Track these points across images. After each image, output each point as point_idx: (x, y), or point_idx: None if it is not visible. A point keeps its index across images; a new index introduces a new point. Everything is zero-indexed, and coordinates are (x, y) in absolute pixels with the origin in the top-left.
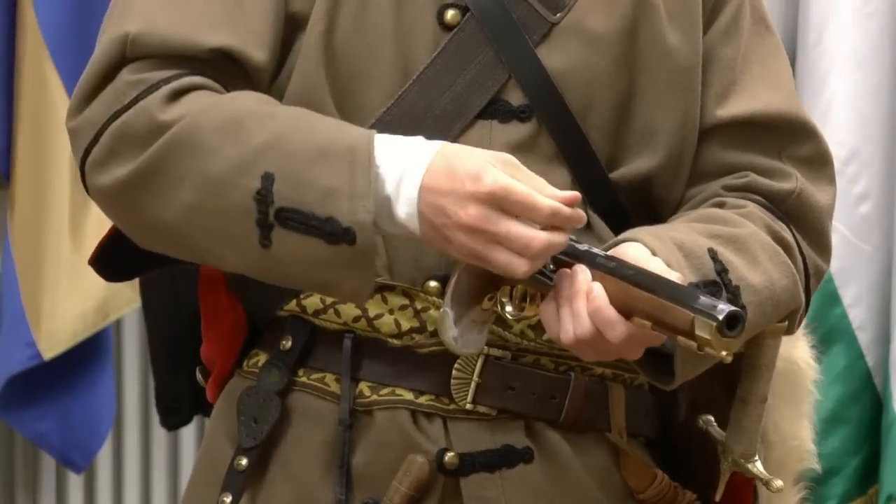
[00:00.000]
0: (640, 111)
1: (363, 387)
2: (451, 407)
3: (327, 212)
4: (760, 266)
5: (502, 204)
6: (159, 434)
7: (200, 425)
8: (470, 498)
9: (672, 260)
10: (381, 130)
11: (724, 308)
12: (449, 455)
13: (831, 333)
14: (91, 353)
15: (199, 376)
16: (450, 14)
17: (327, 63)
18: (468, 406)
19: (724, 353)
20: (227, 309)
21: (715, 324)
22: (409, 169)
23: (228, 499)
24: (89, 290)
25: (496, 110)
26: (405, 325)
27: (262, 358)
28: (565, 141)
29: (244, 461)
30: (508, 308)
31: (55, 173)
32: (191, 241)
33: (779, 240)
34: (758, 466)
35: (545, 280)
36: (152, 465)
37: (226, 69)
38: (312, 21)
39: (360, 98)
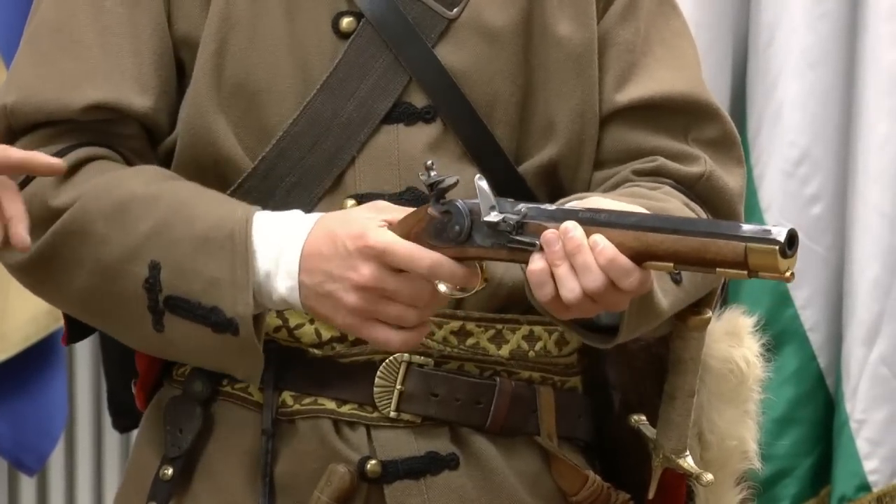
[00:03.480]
0: (540, 103)
1: (286, 396)
2: (375, 415)
3: (212, 301)
4: None
5: (387, 260)
6: (111, 436)
7: None
8: None
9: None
10: (289, 143)
11: (779, 230)
12: (371, 463)
13: (783, 335)
14: (43, 355)
15: (133, 387)
16: (345, 22)
17: (222, 84)
18: (392, 414)
19: (787, 273)
20: None
21: (777, 247)
22: (288, 242)
23: None
24: None
25: (401, 113)
26: (326, 335)
27: (189, 367)
28: (471, 139)
29: (170, 470)
30: (442, 287)
31: None
32: (93, 319)
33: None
34: (688, 461)
35: (524, 247)
36: (104, 468)
37: (109, 122)
38: (203, 42)
39: (264, 113)
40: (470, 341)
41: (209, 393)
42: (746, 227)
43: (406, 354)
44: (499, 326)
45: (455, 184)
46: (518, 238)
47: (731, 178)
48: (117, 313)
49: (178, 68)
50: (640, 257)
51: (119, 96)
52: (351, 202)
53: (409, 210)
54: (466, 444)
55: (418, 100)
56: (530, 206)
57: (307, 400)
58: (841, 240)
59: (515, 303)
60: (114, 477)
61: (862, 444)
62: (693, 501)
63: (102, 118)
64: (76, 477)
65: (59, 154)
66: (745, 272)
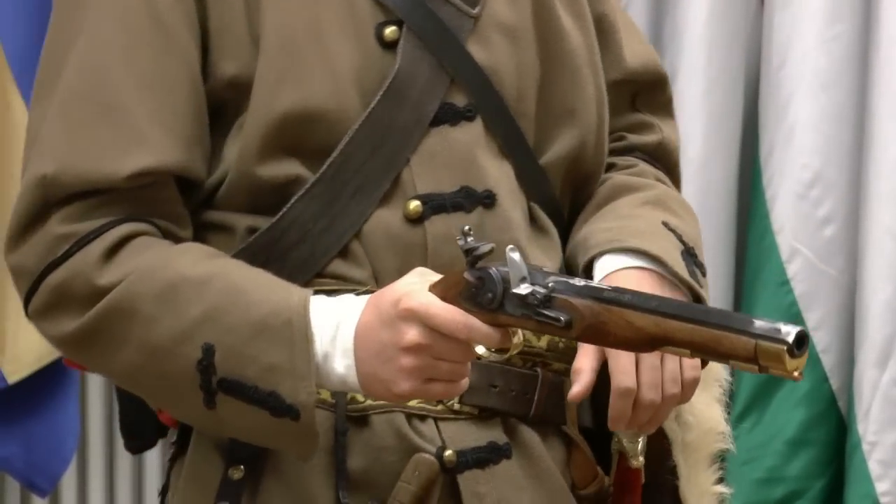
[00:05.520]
0: (557, 94)
1: (354, 393)
2: (440, 408)
3: (270, 386)
4: (683, 219)
5: (427, 322)
6: (123, 458)
7: (164, 449)
8: (467, 494)
9: (662, 253)
10: (353, 150)
11: (789, 330)
12: (448, 453)
13: None
14: (55, 376)
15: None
16: (388, 31)
17: (281, 114)
18: (456, 406)
19: (795, 373)
20: None
21: (785, 347)
22: (343, 321)
23: None
24: None
25: (445, 114)
26: None
27: None
28: (506, 135)
29: (239, 470)
30: (480, 349)
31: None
32: (138, 391)
33: (669, 188)
34: (640, 446)
35: (550, 321)
36: (117, 489)
37: (149, 186)
38: (260, 76)
39: (326, 131)
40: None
41: None
42: (758, 324)
43: None
44: None
45: (490, 251)
46: (545, 312)
47: (674, 134)
48: (166, 389)
49: (217, 109)
50: (658, 342)
51: (161, 159)
52: (415, 203)
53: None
54: (516, 434)
55: (459, 99)
56: (559, 279)
57: (356, 391)
58: (853, 262)
59: None
60: (126, 498)
61: (874, 466)
62: (677, 479)
63: (144, 184)
64: (88, 498)
65: (102, 230)
66: (756, 367)
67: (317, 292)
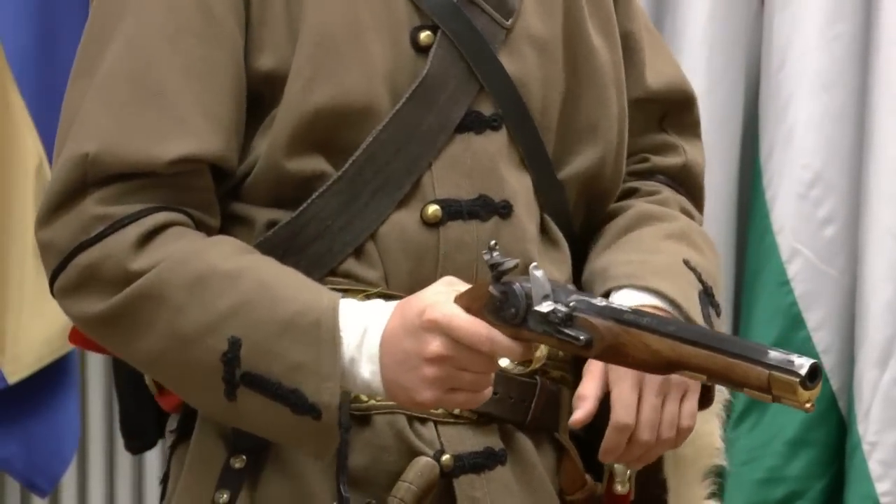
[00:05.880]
0: (582, 109)
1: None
2: (440, 411)
3: (294, 384)
4: (704, 254)
5: (450, 333)
6: (124, 458)
7: (164, 449)
8: (462, 499)
9: (678, 296)
10: (377, 149)
11: (802, 362)
12: (445, 457)
13: None
14: (56, 377)
15: (153, 387)
16: (423, 35)
17: (313, 110)
18: (456, 410)
19: (808, 405)
20: None
21: (798, 379)
22: (371, 327)
23: (225, 496)
24: (54, 314)
25: (471, 122)
26: None
27: None
28: (528, 147)
29: (240, 460)
30: (503, 362)
31: (18, 202)
32: (159, 377)
33: (692, 216)
34: (627, 474)
35: (571, 339)
36: (117, 489)
37: (188, 174)
38: (295, 70)
39: (354, 129)
40: (542, 347)
41: None
42: (772, 354)
43: None
44: None
45: (515, 267)
46: (566, 331)
47: (700, 156)
48: (187, 378)
49: (252, 101)
50: (674, 366)
51: (203, 147)
52: (434, 207)
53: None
54: (511, 440)
55: (486, 108)
56: (581, 298)
57: (381, 396)
58: (854, 262)
59: None
60: (126, 498)
61: (874, 466)
62: (665, 493)
63: (184, 170)
64: (88, 498)
65: (138, 216)
66: (770, 397)
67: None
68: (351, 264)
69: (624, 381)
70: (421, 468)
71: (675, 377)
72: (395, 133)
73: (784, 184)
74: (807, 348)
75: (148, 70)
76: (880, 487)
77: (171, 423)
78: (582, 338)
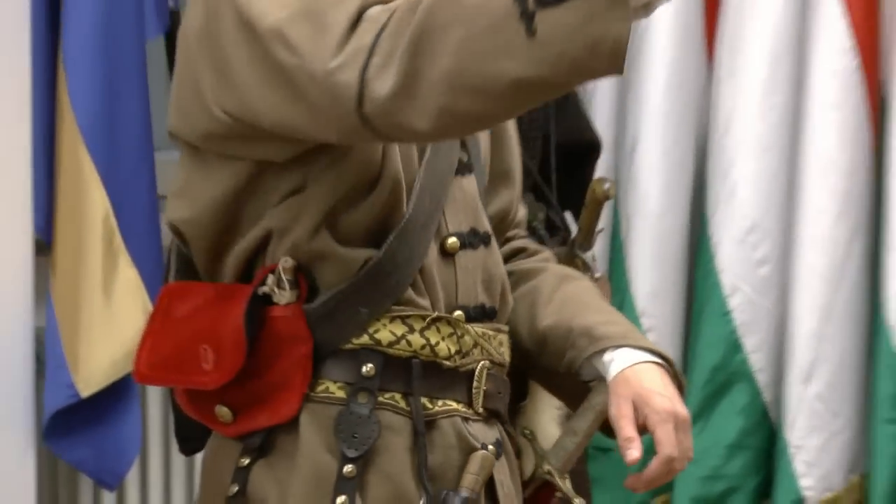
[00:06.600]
0: (503, 154)
1: (424, 401)
2: (470, 411)
3: None
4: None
5: (677, 423)
6: (178, 459)
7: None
8: (497, 483)
9: (663, 352)
10: (421, 192)
11: None
12: (490, 448)
13: (735, 375)
14: (120, 392)
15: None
16: None
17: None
18: (480, 409)
19: None
20: (304, 340)
21: None
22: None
23: (342, 499)
24: (119, 340)
25: (459, 167)
26: (453, 349)
27: (329, 385)
28: (481, 188)
29: (351, 468)
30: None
31: (89, 242)
32: (468, 75)
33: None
34: (567, 483)
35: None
36: (172, 485)
37: None
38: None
39: (409, 174)
40: (502, 348)
41: (373, 404)
42: None
43: (486, 361)
44: (504, 335)
45: None
46: None
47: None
48: (492, 47)
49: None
50: None
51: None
52: (453, 239)
53: None
54: (501, 432)
55: (463, 154)
56: None
57: (440, 402)
58: (784, 296)
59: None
60: (181, 493)
61: (799, 466)
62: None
63: None
64: (148, 492)
65: None
66: None
67: (393, 319)
68: (410, 293)
69: (667, 423)
70: (481, 460)
71: (685, 416)
72: (428, 181)
73: (727, 231)
74: (744, 368)
75: None
76: (803, 483)
77: (234, 446)
78: None
